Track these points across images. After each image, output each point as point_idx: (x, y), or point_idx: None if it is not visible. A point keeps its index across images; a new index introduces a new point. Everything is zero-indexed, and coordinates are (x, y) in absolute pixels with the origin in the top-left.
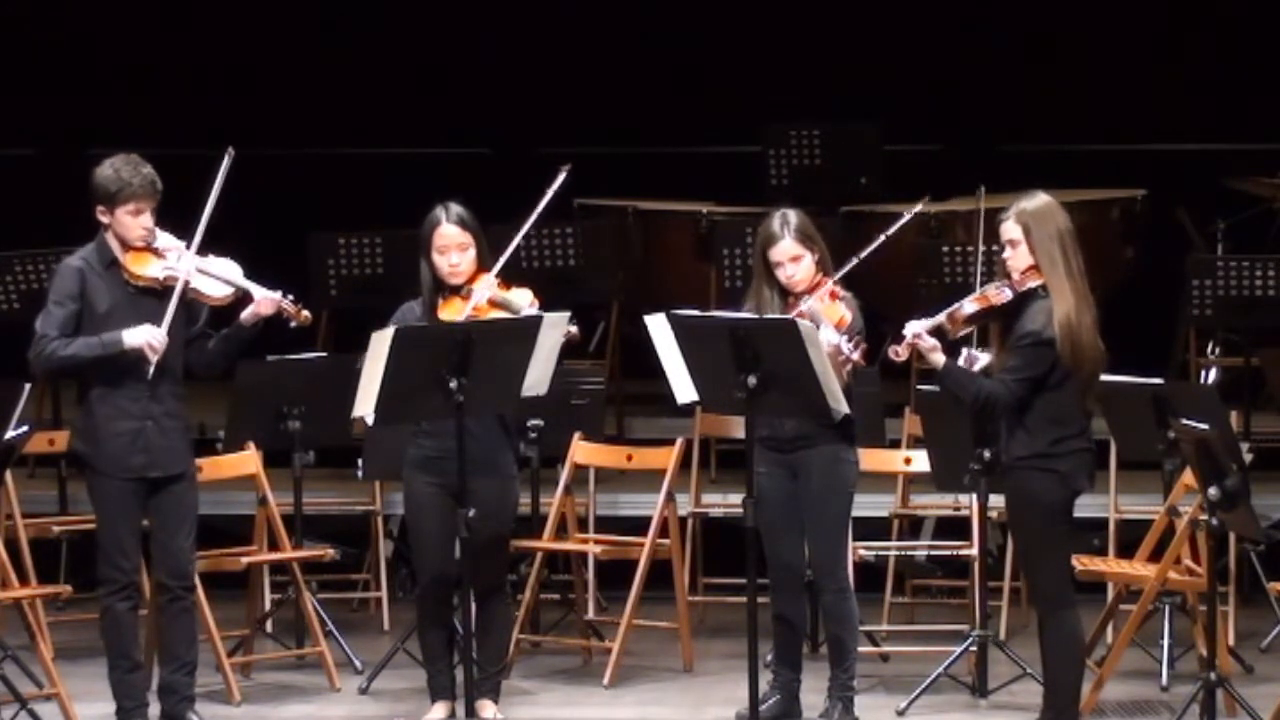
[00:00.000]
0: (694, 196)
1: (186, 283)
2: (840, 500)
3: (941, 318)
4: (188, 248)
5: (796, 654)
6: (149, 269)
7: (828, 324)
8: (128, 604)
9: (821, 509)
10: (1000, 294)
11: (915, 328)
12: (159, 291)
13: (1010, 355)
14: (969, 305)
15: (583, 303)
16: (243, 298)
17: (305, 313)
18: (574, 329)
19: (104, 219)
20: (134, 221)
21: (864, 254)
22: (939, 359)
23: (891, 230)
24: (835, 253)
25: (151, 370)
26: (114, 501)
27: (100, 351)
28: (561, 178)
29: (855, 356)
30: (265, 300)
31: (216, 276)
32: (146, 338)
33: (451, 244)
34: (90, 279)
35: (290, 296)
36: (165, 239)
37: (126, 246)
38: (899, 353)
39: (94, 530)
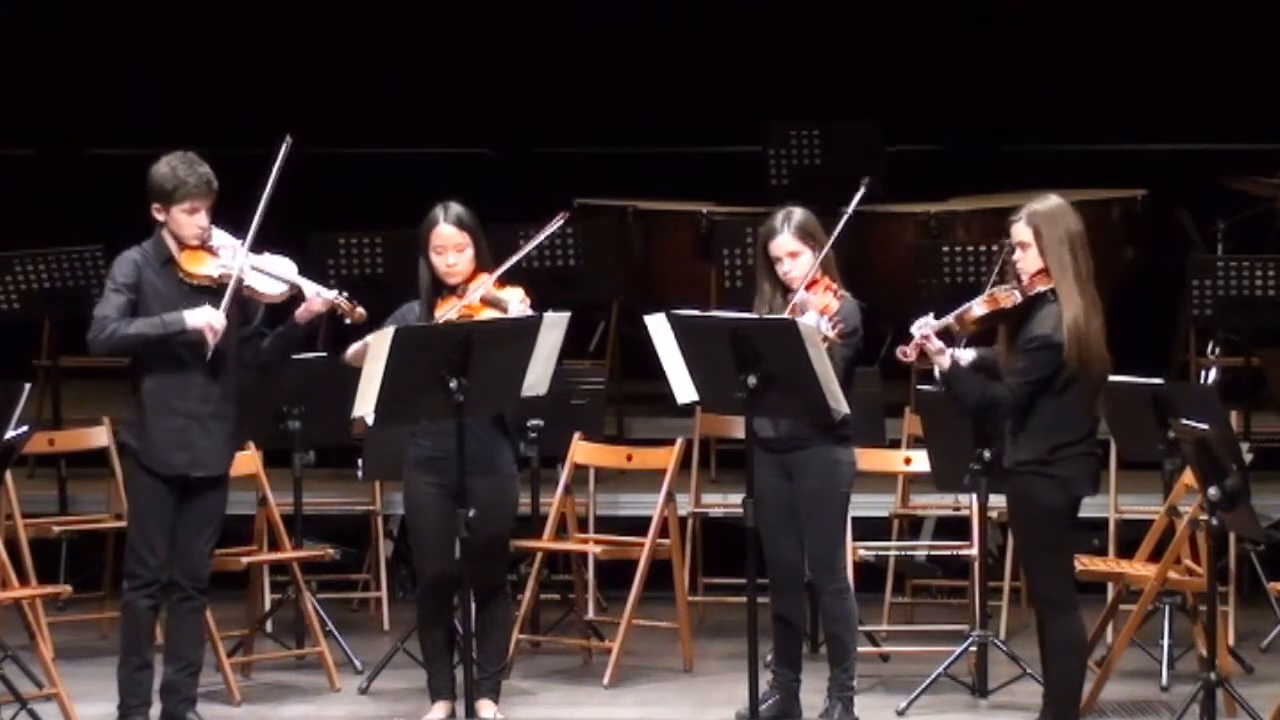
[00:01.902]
0: (694, 196)
1: (241, 280)
2: (836, 500)
3: (950, 319)
4: (242, 244)
5: (796, 654)
6: (204, 267)
7: (813, 310)
8: (149, 602)
9: (817, 509)
10: (1010, 296)
11: (924, 328)
12: (215, 289)
13: (1017, 358)
14: (978, 307)
15: (583, 303)
16: (298, 295)
17: (360, 310)
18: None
19: (160, 216)
20: (189, 220)
21: (829, 242)
22: (945, 361)
23: (851, 208)
24: (835, 253)
25: (209, 354)
26: (150, 497)
27: (162, 330)
28: (556, 223)
29: (830, 334)
30: (319, 299)
31: (271, 274)
32: (207, 319)
33: (448, 244)
34: (146, 273)
35: (345, 294)
36: (220, 236)
37: (182, 245)
38: (907, 353)
39: (95, 530)
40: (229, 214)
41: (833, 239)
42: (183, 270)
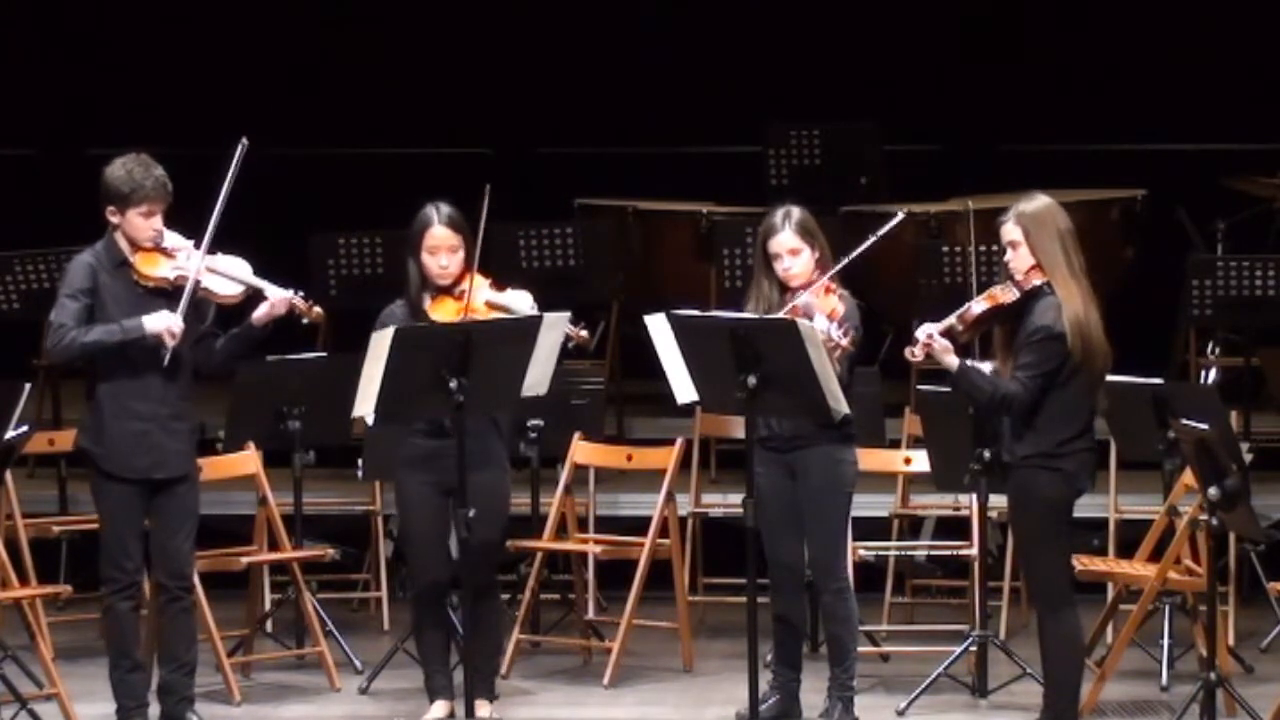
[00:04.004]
0: (694, 196)
1: (197, 282)
2: (839, 500)
3: (952, 319)
4: (196, 246)
5: (796, 654)
6: (159, 269)
7: (820, 314)
8: (129, 604)
9: (820, 509)
10: (1008, 293)
11: (929, 329)
12: (169, 292)
13: (1023, 352)
14: (978, 305)
15: (583, 303)
16: (253, 296)
17: (317, 309)
18: (584, 334)
19: (114, 219)
20: (145, 223)
21: (856, 252)
22: (952, 361)
23: (884, 230)
24: (835, 253)
25: (167, 358)
26: (118, 501)
27: (121, 337)
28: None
29: (844, 342)
30: (277, 300)
31: (227, 275)
32: (166, 324)
33: (442, 246)
34: (101, 277)
35: (301, 293)
36: (173, 238)
37: (136, 247)
38: (915, 354)
39: (94, 530)
40: (234, 214)
41: (854, 255)
42: (138, 272)
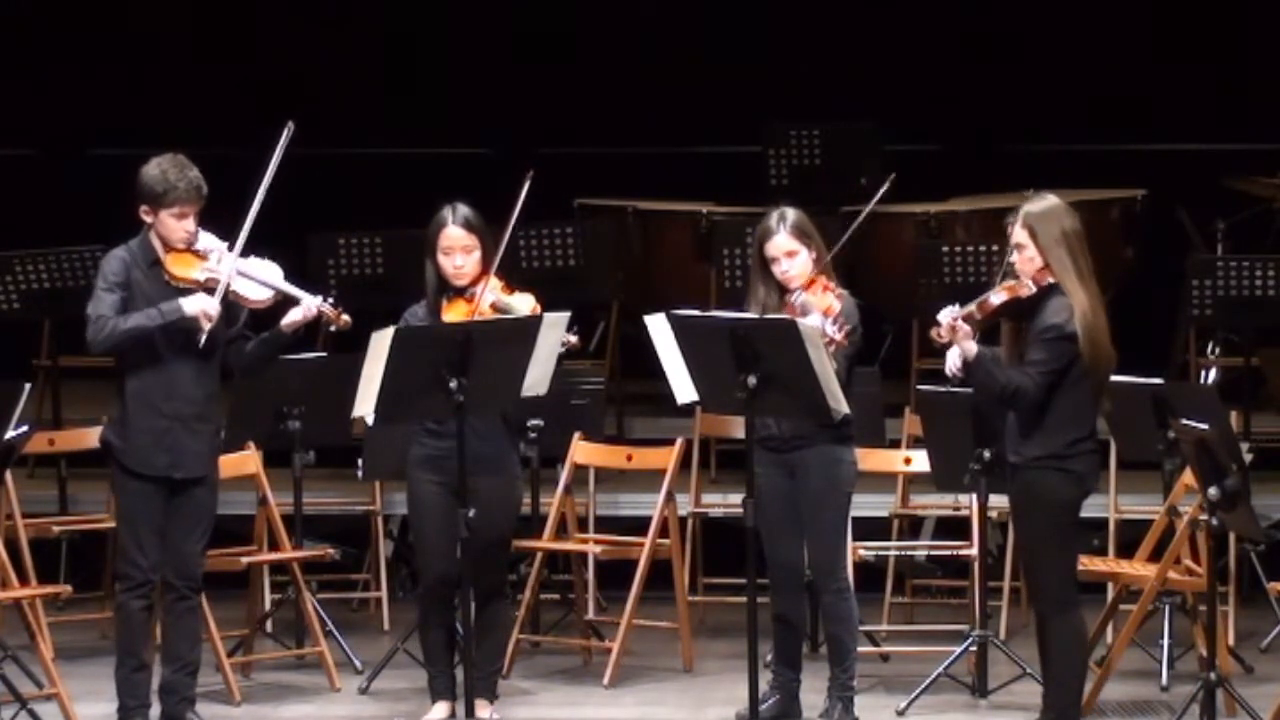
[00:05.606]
0: (694, 196)
1: (227, 285)
2: (838, 500)
3: (972, 306)
4: (230, 249)
5: (796, 654)
6: (190, 271)
7: (815, 311)
8: (142, 602)
9: (819, 509)
10: (1025, 286)
11: (953, 312)
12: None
13: (1034, 349)
14: (996, 296)
15: (583, 303)
16: (283, 300)
17: (345, 317)
18: (574, 338)
19: (147, 218)
20: (177, 224)
21: (851, 229)
22: (971, 348)
23: (875, 198)
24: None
25: (203, 340)
26: (136, 498)
27: (160, 320)
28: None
29: (838, 337)
30: (305, 307)
31: (257, 279)
32: (203, 305)
33: (456, 246)
34: (134, 273)
35: (330, 300)
36: (207, 240)
37: (168, 247)
38: (940, 335)
39: (95, 530)
40: (228, 214)
41: (846, 236)
42: (169, 273)
